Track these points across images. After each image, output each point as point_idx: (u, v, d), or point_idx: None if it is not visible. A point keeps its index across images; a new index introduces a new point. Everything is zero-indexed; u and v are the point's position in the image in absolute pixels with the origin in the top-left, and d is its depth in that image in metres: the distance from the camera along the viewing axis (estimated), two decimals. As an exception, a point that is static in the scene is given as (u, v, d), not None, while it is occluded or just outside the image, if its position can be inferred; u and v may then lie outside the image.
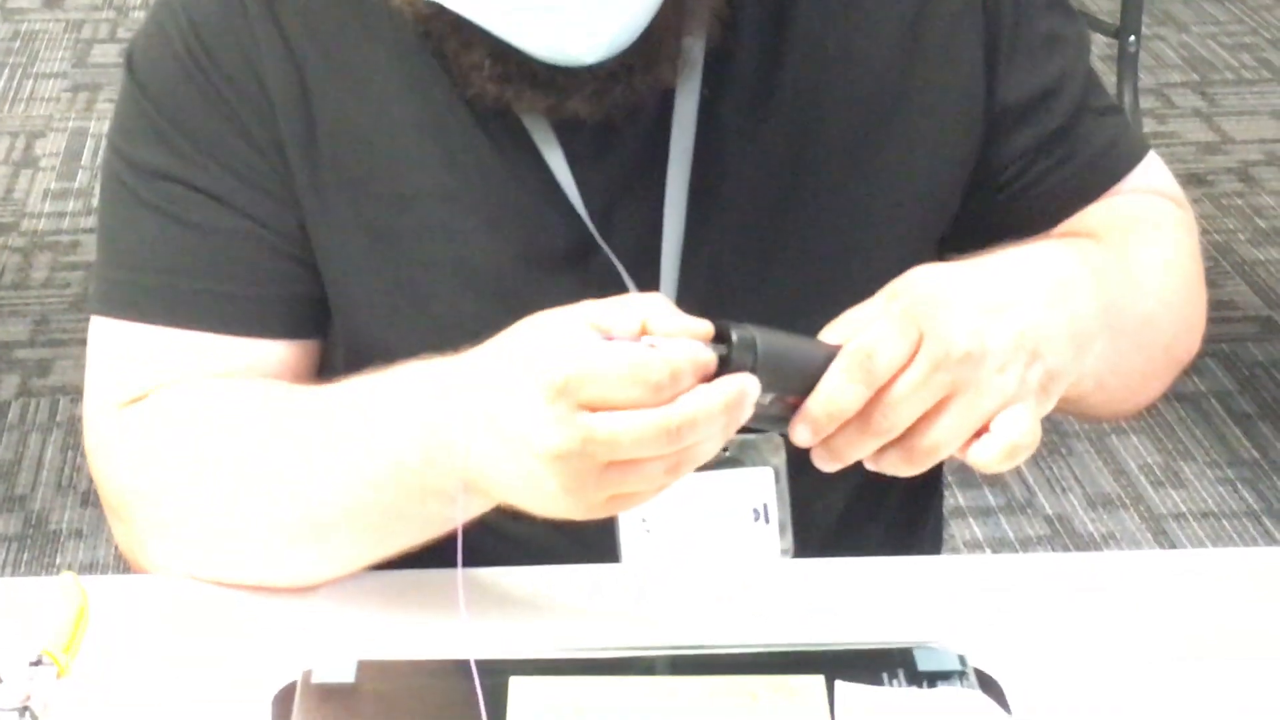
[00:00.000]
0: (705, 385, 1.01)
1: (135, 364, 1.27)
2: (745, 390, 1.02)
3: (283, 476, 1.18)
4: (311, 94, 1.25)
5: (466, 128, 1.24)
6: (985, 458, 1.09)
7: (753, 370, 1.02)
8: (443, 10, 1.18)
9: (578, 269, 1.25)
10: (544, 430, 1.01)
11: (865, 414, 1.06)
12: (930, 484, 1.46)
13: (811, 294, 1.25)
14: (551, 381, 1.00)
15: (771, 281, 1.27)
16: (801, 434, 1.06)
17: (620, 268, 1.25)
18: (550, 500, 1.04)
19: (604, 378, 1.00)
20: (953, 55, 1.29)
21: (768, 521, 1.25)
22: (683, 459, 1.02)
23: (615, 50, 1.17)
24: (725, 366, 1.02)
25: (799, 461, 1.22)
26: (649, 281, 1.25)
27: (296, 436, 1.18)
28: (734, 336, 1.03)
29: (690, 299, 1.23)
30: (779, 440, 1.23)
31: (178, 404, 1.24)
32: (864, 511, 1.37)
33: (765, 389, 1.03)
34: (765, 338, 1.03)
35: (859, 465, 1.11)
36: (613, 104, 1.20)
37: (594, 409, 1.00)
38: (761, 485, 1.23)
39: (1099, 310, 1.18)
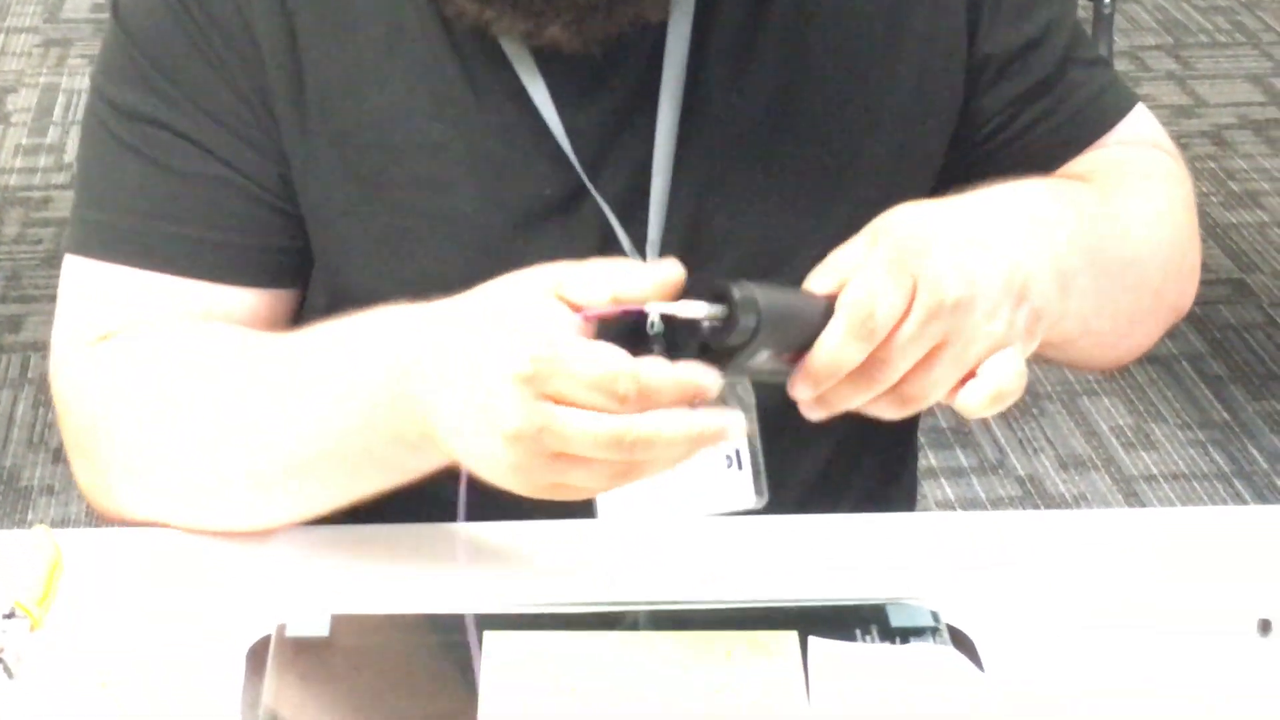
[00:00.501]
0: (677, 410, 1.01)
1: (107, 304, 1.27)
2: (717, 428, 1.02)
3: (255, 419, 1.18)
4: (300, 44, 1.25)
5: (455, 77, 1.24)
6: (973, 402, 1.09)
7: (756, 331, 1.02)
8: None
9: (567, 216, 1.25)
10: (504, 409, 1.01)
11: (862, 367, 1.06)
12: (905, 441, 1.46)
13: (796, 239, 1.25)
14: (519, 369, 1.00)
15: (758, 226, 1.27)
16: (802, 391, 1.07)
17: (610, 214, 1.25)
18: (499, 474, 1.04)
19: (572, 376, 1.00)
20: (940, 4, 1.29)
21: (740, 468, 1.25)
22: (632, 470, 1.03)
23: None
24: (729, 326, 1.02)
25: (776, 420, 1.23)
26: (638, 227, 1.25)
27: (269, 380, 1.18)
28: (735, 295, 1.02)
29: (676, 243, 1.23)
30: (747, 386, 1.23)
31: (150, 343, 1.24)
32: (840, 470, 1.37)
33: (762, 346, 1.03)
34: (766, 295, 1.02)
35: (837, 424, 1.11)
36: (592, 35, 1.20)
37: (557, 402, 1.00)
38: (734, 429, 1.24)
39: (1082, 249, 1.18)
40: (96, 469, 1.25)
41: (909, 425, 1.46)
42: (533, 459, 1.02)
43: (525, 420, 1.01)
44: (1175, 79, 4.37)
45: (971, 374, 1.09)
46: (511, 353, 1.01)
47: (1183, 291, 1.35)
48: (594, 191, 1.25)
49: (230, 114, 1.25)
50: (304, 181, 1.27)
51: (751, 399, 1.20)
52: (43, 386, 3.19)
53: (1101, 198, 1.27)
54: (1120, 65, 4.26)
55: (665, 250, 1.05)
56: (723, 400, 1.14)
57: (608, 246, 1.25)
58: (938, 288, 1.06)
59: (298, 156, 1.26)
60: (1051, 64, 1.34)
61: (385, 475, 1.16)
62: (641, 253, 1.26)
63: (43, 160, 3.91)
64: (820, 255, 1.10)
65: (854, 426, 1.36)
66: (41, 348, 3.28)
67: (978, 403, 1.09)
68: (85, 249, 1.29)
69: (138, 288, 1.26)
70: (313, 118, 1.25)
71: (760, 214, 1.27)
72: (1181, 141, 4.03)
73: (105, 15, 4.12)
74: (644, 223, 1.25)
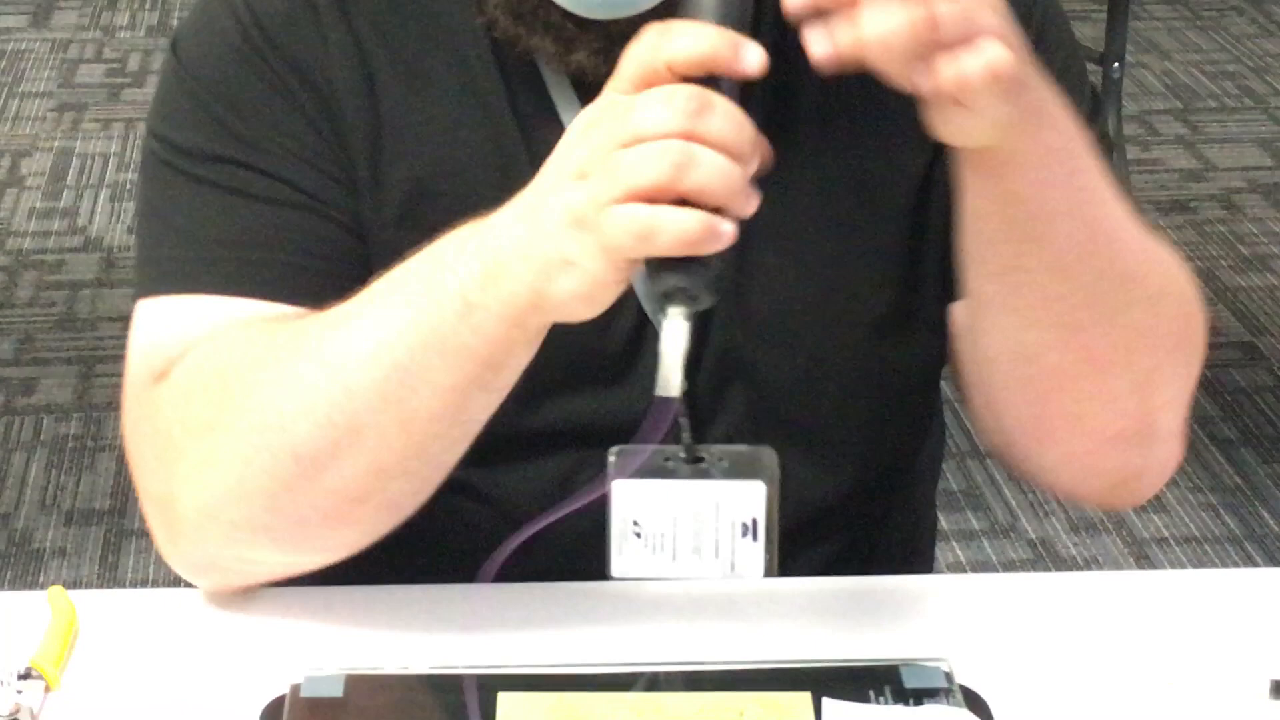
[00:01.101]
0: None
1: (184, 337, 1.23)
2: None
3: (348, 339, 1.15)
4: (379, 92, 1.25)
5: (518, 140, 1.24)
6: (962, 69, 1.04)
7: None
8: None
9: None
10: (567, 152, 1.07)
11: None
12: (925, 524, 1.46)
13: (804, 272, 1.27)
14: (576, 131, 1.07)
15: (774, 258, 1.26)
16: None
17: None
18: (573, 237, 1.05)
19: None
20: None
21: (755, 538, 1.25)
22: (694, 155, 1.02)
23: (630, 10, 1.17)
24: None
25: (796, 507, 1.24)
26: None
27: (352, 307, 1.16)
28: None
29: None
30: (773, 457, 1.23)
31: (215, 343, 1.21)
32: (859, 554, 1.36)
33: None
34: None
35: (855, 512, 1.10)
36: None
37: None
38: (752, 500, 1.24)
39: (1077, 176, 1.16)
40: (174, 512, 1.21)
41: (929, 511, 1.46)
42: (601, 155, 1.04)
43: (591, 124, 1.05)
44: (1184, 143, 4.38)
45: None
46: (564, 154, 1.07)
47: (1186, 334, 1.28)
48: None
49: (307, 148, 1.24)
50: (372, 223, 1.26)
51: (776, 470, 1.21)
52: (55, 449, 3.20)
53: (1118, 197, 1.22)
54: (1130, 129, 4.27)
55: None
56: (747, 473, 1.16)
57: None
58: None
59: (369, 198, 1.25)
60: None
61: (480, 361, 1.12)
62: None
63: (56, 224, 3.93)
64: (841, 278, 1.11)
65: (873, 515, 1.36)
66: (55, 410, 3.29)
67: (968, 68, 1.04)
68: (160, 287, 1.25)
69: (218, 314, 1.23)
70: (387, 163, 1.25)
71: (779, 248, 1.27)
72: (1191, 205, 4.05)
73: (119, 80, 4.15)
74: None
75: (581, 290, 1.07)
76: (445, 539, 1.25)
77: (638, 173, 1.03)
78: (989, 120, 1.08)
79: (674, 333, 1.06)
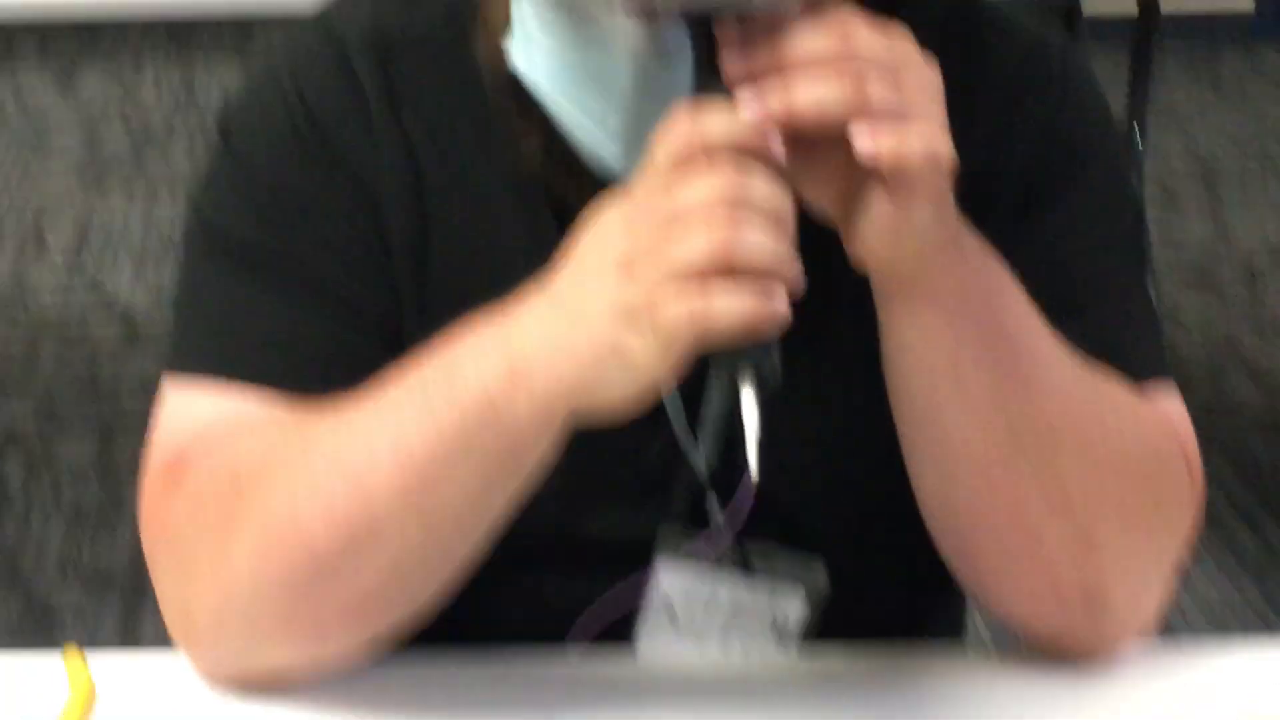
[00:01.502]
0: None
1: (206, 421, 1.21)
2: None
3: (367, 441, 1.13)
4: (428, 197, 1.23)
5: (561, 249, 1.18)
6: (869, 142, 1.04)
7: None
8: (514, 79, 1.19)
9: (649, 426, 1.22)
10: (608, 235, 1.05)
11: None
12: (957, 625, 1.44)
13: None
14: (618, 210, 1.06)
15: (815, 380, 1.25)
16: None
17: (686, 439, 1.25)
18: (617, 331, 1.04)
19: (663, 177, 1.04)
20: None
21: (786, 645, 1.25)
22: (743, 222, 1.01)
23: None
24: None
25: (831, 613, 1.24)
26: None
27: (369, 407, 1.14)
28: None
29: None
30: (821, 570, 1.23)
31: (236, 438, 1.20)
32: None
33: None
34: None
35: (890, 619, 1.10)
36: None
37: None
38: (791, 607, 1.24)
39: (992, 313, 1.14)
40: (191, 616, 1.19)
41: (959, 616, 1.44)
42: (648, 235, 1.03)
43: (638, 189, 1.04)
44: (1206, 212, 4.38)
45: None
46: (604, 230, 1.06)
47: (1150, 499, 1.21)
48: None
49: (348, 245, 1.23)
50: (412, 328, 1.23)
51: (822, 582, 1.22)
52: (75, 513, 3.20)
53: (1051, 341, 1.18)
54: (1150, 197, 4.28)
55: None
56: (787, 575, 1.16)
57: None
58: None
59: (411, 303, 1.24)
60: (1079, 280, 1.24)
61: (512, 471, 1.11)
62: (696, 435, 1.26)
63: (79, 289, 3.94)
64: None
65: (905, 618, 1.35)
66: (75, 473, 3.30)
67: (909, 142, 1.04)
68: (188, 367, 1.23)
69: (241, 404, 1.21)
70: (433, 270, 1.24)
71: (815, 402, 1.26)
72: (1213, 275, 4.04)
73: (144, 145, 4.16)
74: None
75: (631, 383, 1.05)
76: (479, 632, 1.24)
77: (688, 248, 1.01)
78: (918, 231, 1.07)
79: (750, 415, 1.04)
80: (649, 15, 1.11)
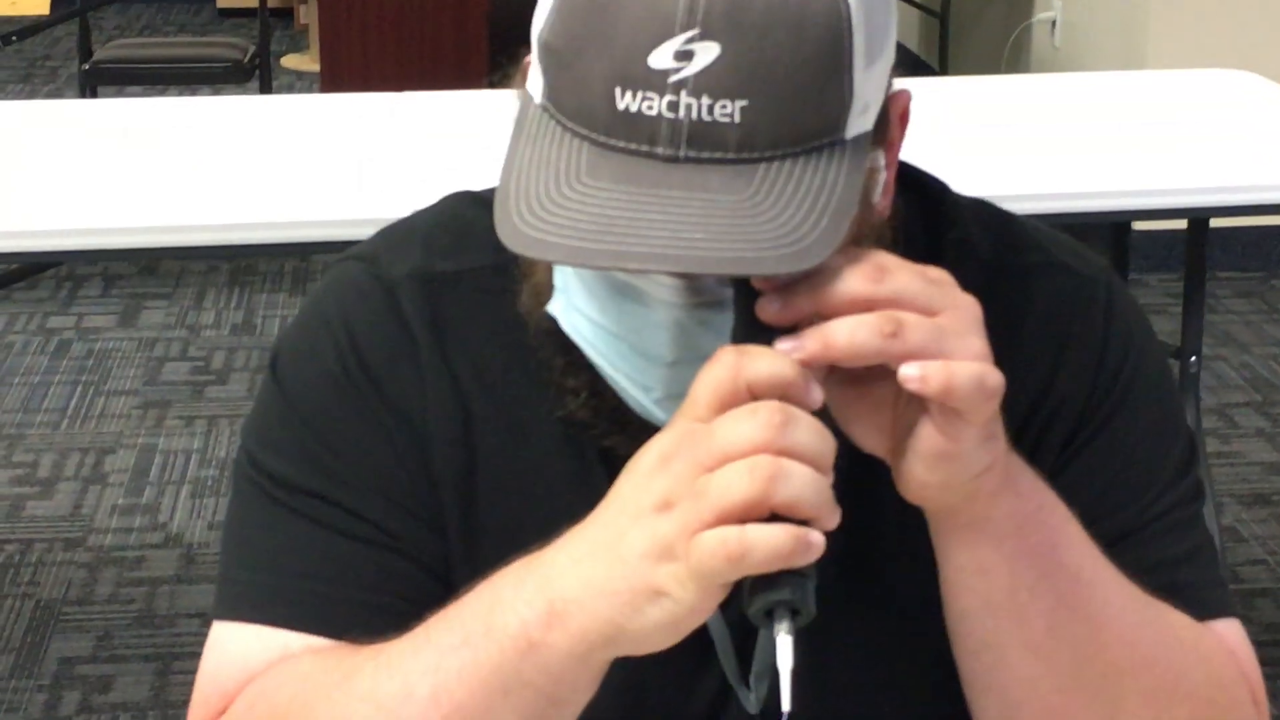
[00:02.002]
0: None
1: (250, 666, 1.22)
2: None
3: (405, 680, 1.12)
4: (475, 435, 1.24)
5: (607, 490, 1.16)
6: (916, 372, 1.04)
7: None
8: (559, 330, 1.19)
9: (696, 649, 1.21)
10: (648, 485, 1.04)
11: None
12: None
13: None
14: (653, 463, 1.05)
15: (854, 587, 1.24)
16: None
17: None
18: (657, 572, 1.03)
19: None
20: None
21: None
22: (784, 469, 1.00)
23: None
24: None
25: None
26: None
27: (409, 646, 1.14)
28: None
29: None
30: None
31: (276, 676, 1.20)
32: None
33: None
34: None
35: None
36: None
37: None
38: None
39: (1053, 550, 1.13)
40: None
41: None
42: (683, 482, 1.02)
43: (672, 432, 1.04)
44: (1265, 435, 4.36)
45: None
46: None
47: None
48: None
49: (398, 488, 1.23)
50: (461, 568, 1.24)
51: None
52: (131, 747, 3.18)
53: (1112, 573, 1.18)
54: (1209, 422, 4.26)
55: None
56: None
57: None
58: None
59: (459, 540, 1.24)
60: (1134, 510, 1.24)
61: (544, 699, 1.10)
62: (745, 684, 1.24)
63: (138, 521, 3.96)
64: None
65: None
66: (131, 709, 3.28)
67: (956, 370, 1.04)
68: (234, 612, 1.24)
69: (287, 648, 1.21)
70: (481, 509, 1.24)
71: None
72: (1273, 499, 4.01)
73: (203, 378, 4.20)
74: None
75: (669, 621, 1.05)
76: None
77: (730, 492, 1.01)
78: (967, 463, 1.07)
79: (784, 649, 1.03)
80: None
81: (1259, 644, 1.29)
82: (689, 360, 1.11)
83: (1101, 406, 1.25)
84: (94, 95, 5.64)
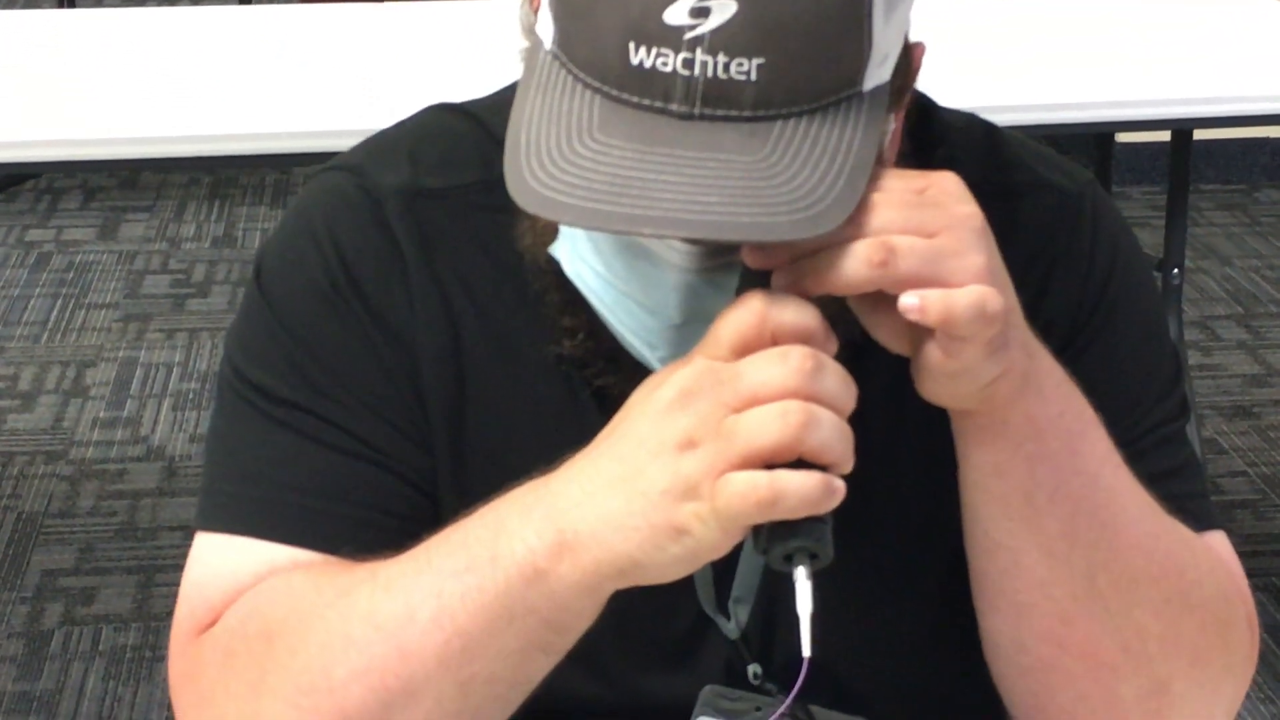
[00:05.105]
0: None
1: (233, 579, 1.20)
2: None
3: (407, 602, 1.11)
4: (464, 355, 1.23)
5: (598, 420, 1.14)
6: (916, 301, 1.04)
7: None
8: (559, 269, 1.18)
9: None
10: (673, 373, 1.03)
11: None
12: None
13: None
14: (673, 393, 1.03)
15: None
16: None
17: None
18: (680, 510, 1.02)
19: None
20: None
21: None
22: (815, 414, 1.00)
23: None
24: None
25: None
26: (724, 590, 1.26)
27: (410, 567, 1.12)
28: None
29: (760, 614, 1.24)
30: None
31: (266, 592, 1.18)
32: None
33: None
34: None
35: None
36: None
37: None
38: None
39: (1072, 454, 1.13)
40: None
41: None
42: (714, 438, 1.01)
43: (694, 367, 1.03)
44: (1246, 348, 4.36)
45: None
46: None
47: (1217, 646, 1.20)
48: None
49: (384, 404, 1.22)
50: (447, 486, 1.23)
51: None
52: (114, 659, 3.19)
53: (1132, 482, 1.17)
54: (1190, 335, 4.26)
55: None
56: None
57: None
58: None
59: (446, 458, 1.23)
60: (1123, 427, 1.22)
61: (547, 627, 1.09)
62: (724, 612, 1.25)
63: (119, 434, 3.95)
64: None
65: None
66: (114, 620, 3.29)
67: (955, 298, 1.04)
68: (219, 523, 1.23)
69: (272, 561, 1.20)
70: (469, 428, 1.23)
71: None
72: (1254, 411, 4.02)
73: (184, 290, 4.18)
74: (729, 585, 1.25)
75: (687, 557, 1.04)
76: None
77: (760, 435, 1.00)
78: (975, 375, 1.07)
79: (805, 592, 1.03)
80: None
81: (1239, 554, 1.29)
82: (698, 320, 1.10)
83: (1090, 321, 1.25)
84: (71, 6, 5.59)
